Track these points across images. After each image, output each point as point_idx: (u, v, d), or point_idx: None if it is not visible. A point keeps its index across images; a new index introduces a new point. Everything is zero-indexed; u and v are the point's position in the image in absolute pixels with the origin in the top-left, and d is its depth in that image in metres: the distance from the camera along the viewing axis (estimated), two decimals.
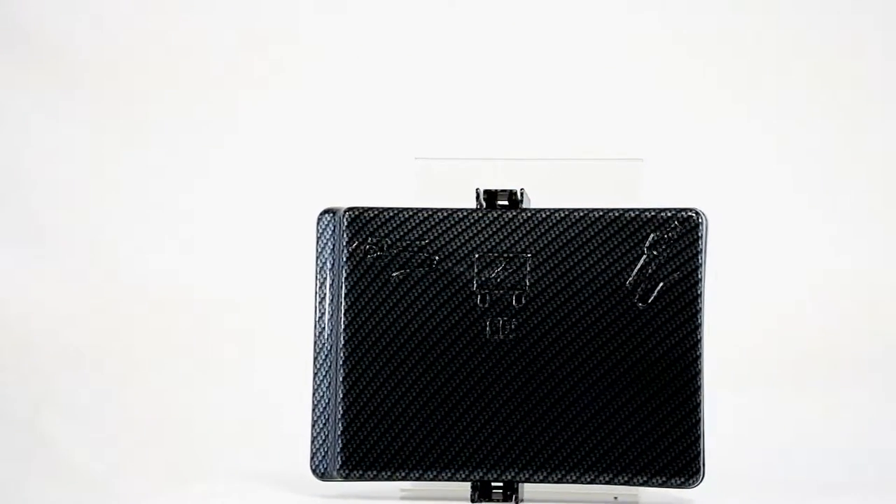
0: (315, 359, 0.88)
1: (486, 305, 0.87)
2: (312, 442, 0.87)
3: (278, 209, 1.25)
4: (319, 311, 0.88)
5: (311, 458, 0.87)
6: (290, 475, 0.99)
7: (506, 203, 0.89)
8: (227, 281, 1.24)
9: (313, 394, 0.88)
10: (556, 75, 1.27)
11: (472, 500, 0.87)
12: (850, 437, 1.13)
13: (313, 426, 0.88)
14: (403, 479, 0.86)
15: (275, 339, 1.22)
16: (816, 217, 1.24)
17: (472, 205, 0.89)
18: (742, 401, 1.16)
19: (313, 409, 0.88)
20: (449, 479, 0.86)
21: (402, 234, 0.88)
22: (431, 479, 0.86)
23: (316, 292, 0.88)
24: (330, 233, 0.88)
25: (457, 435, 0.86)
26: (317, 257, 0.88)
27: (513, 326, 0.87)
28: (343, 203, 0.89)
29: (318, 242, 0.88)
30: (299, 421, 1.11)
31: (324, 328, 0.88)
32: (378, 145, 1.25)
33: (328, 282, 0.88)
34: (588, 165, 0.92)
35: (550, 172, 0.91)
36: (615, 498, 0.89)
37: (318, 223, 0.89)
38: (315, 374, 0.88)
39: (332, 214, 0.88)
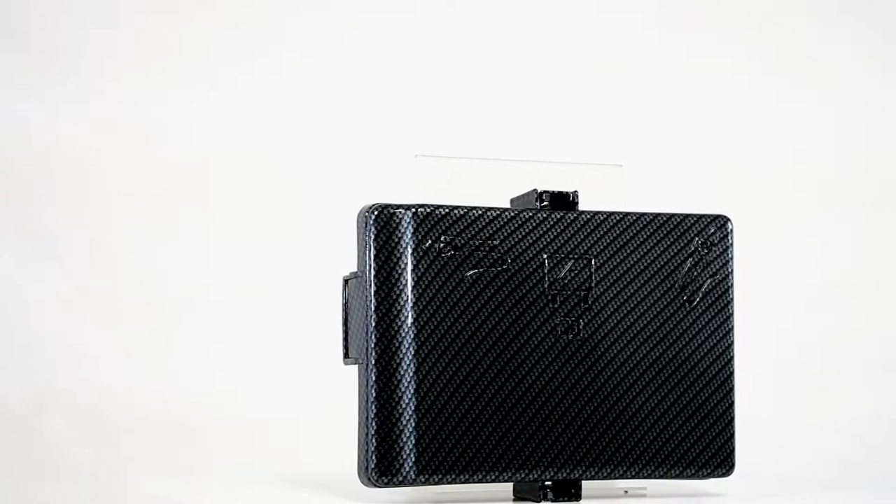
0: (375, 363, 0.85)
1: (557, 305, 0.88)
2: (377, 449, 0.85)
3: (279, 208, 1.25)
4: (378, 313, 0.85)
5: (377, 465, 0.85)
6: (291, 477, 1.00)
7: (544, 204, 0.90)
8: (228, 280, 1.24)
9: (374, 399, 0.85)
10: (547, 80, 1.29)
11: (540, 500, 0.88)
12: (849, 437, 1.17)
13: (377, 432, 0.85)
14: (479, 480, 0.86)
15: (274, 340, 1.22)
16: (815, 217, 1.28)
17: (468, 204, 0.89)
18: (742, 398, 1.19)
19: (376, 415, 0.85)
20: (522, 480, 0.87)
21: (472, 233, 0.87)
22: (506, 481, 0.86)
23: (371, 294, 0.85)
24: (392, 230, 0.86)
25: (530, 435, 0.87)
26: (373, 256, 0.85)
27: (581, 325, 0.88)
28: (342, 201, 0.89)
29: (375, 241, 0.85)
30: (301, 423, 1.12)
31: (386, 330, 0.85)
32: (377, 143, 1.26)
33: (404, 282, 0.85)
34: (569, 170, 0.94)
35: (536, 175, 0.93)
36: (625, 491, 0.92)
37: (373, 221, 0.85)
38: (377, 379, 0.85)
39: (392, 211, 0.86)
